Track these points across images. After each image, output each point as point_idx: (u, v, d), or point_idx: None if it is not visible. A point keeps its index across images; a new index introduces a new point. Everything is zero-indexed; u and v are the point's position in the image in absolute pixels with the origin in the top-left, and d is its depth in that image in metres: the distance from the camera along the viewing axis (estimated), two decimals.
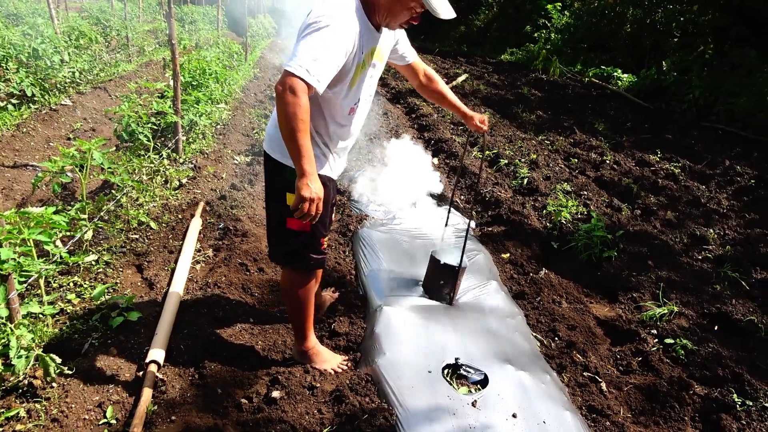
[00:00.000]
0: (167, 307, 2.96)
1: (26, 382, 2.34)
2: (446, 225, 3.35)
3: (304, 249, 2.43)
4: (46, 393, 2.34)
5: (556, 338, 3.05)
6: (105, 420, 2.31)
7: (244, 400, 2.45)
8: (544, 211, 4.77)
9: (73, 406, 2.33)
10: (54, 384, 2.40)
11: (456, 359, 2.62)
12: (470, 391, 2.50)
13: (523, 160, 6.12)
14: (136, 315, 2.84)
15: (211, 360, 2.68)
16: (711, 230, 4.62)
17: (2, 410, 2.22)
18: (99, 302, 2.89)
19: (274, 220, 2.45)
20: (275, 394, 2.46)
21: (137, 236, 3.77)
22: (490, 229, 4.45)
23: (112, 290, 3.15)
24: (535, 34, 17.61)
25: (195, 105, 5.54)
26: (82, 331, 2.76)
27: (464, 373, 2.58)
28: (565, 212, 4.47)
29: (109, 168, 3.32)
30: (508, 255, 3.98)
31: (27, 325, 2.42)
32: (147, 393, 2.41)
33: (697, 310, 3.37)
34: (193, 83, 6.06)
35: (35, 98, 6.12)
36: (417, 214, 4.31)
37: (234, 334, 2.92)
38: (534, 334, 3.09)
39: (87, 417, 2.30)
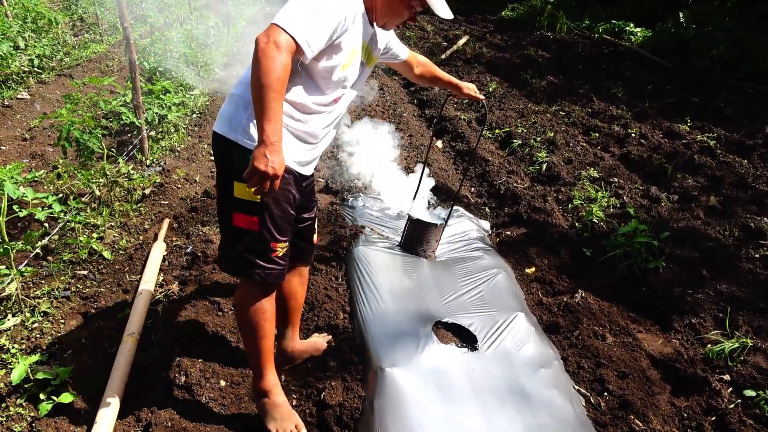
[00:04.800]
0: (113, 380, 2.34)
1: None
2: (414, 198, 3.38)
3: (250, 253, 1.99)
4: None
5: (606, 393, 2.42)
6: None
7: None
8: (570, 206, 4.10)
9: None
10: None
11: None
12: None
13: (539, 139, 5.40)
14: (70, 397, 2.22)
15: None
16: (765, 219, 3.95)
17: None
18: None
19: (222, 216, 2.05)
20: None
21: (86, 271, 3.13)
22: (508, 232, 3.79)
23: (47, 354, 2.53)
24: None
25: (162, 96, 4.82)
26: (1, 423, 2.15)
27: None
28: (595, 209, 3.79)
29: (35, 199, 2.65)
30: (533, 270, 3.33)
31: None
32: None
33: None
34: (159, 69, 5.31)
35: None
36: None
37: (198, 411, 2.31)
38: (576, 387, 2.46)
39: None
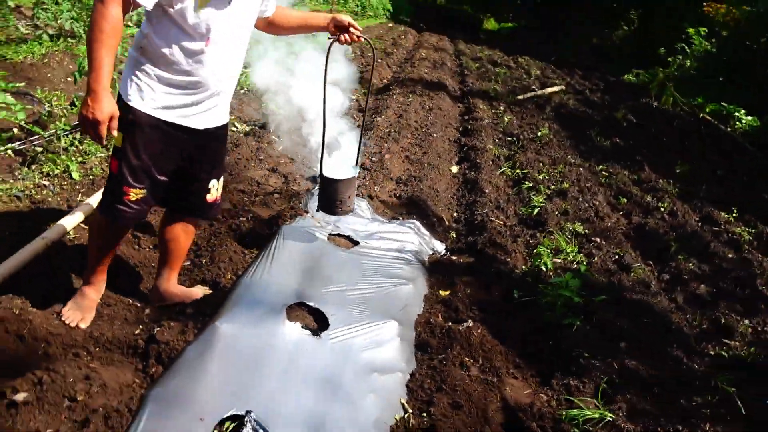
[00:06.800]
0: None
1: None
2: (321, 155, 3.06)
3: (108, 194, 2.33)
4: None
5: (424, 414, 2.34)
6: None
7: None
8: (535, 251, 3.94)
9: None
10: None
11: (247, 412, 2.03)
12: None
13: (552, 187, 5.22)
14: None
15: None
16: (746, 321, 3.56)
17: None
18: None
19: None
20: (19, 396, 2.03)
21: (48, 182, 3.51)
22: (454, 257, 3.72)
23: None
24: (669, 59, 15.77)
25: None
26: None
27: None
28: (546, 257, 3.63)
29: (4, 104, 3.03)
30: (447, 293, 3.26)
31: None
32: None
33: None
34: None
35: (75, 34, 6.16)
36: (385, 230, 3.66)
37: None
38: (403, 400, 2.40)
39: None
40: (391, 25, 17.61)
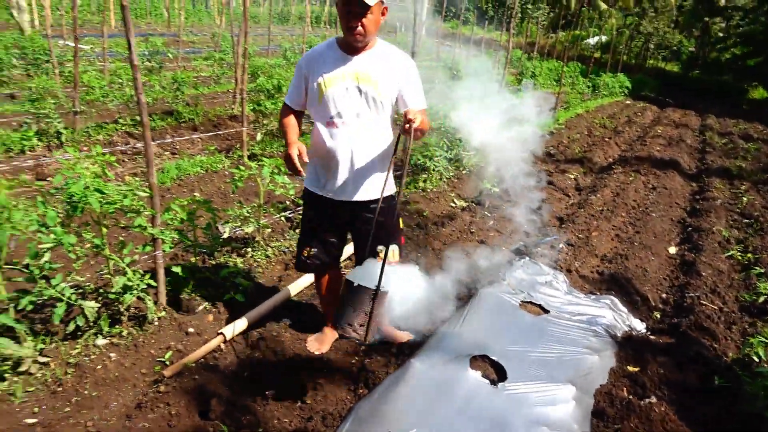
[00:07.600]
0: (264, 304, 3.57)
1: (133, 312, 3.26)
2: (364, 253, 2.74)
3: (297, 248, 3.06)
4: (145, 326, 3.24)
5: None
6: (162, 359, 3.05)
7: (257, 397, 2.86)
8: (750, 339, 3.66)
9: (153, 341, 3.16)
10: (155, 321, 3.26)
11: None
12: None
13: None
14: (242, 299, 3.53)
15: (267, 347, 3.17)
16: None
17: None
18: (224, 277, 3.66)
19: None
20: (269, 392, 2.80)
21: None
22: (653, 337, 3.69)
23: (254, 274, 3.96)
24: None
25: None
26: (203, 296, 3.60)
27: None
28: (759, 347, 3.36)
29: (282, 185, 4.13)
30: (636, 369, 3.28)
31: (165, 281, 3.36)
32: (196, 353, 3.06)
33: None
34: None
35: None
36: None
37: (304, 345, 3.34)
38: None
39: (154, 352, 3.09)
40: (628, 102, 17.15)
